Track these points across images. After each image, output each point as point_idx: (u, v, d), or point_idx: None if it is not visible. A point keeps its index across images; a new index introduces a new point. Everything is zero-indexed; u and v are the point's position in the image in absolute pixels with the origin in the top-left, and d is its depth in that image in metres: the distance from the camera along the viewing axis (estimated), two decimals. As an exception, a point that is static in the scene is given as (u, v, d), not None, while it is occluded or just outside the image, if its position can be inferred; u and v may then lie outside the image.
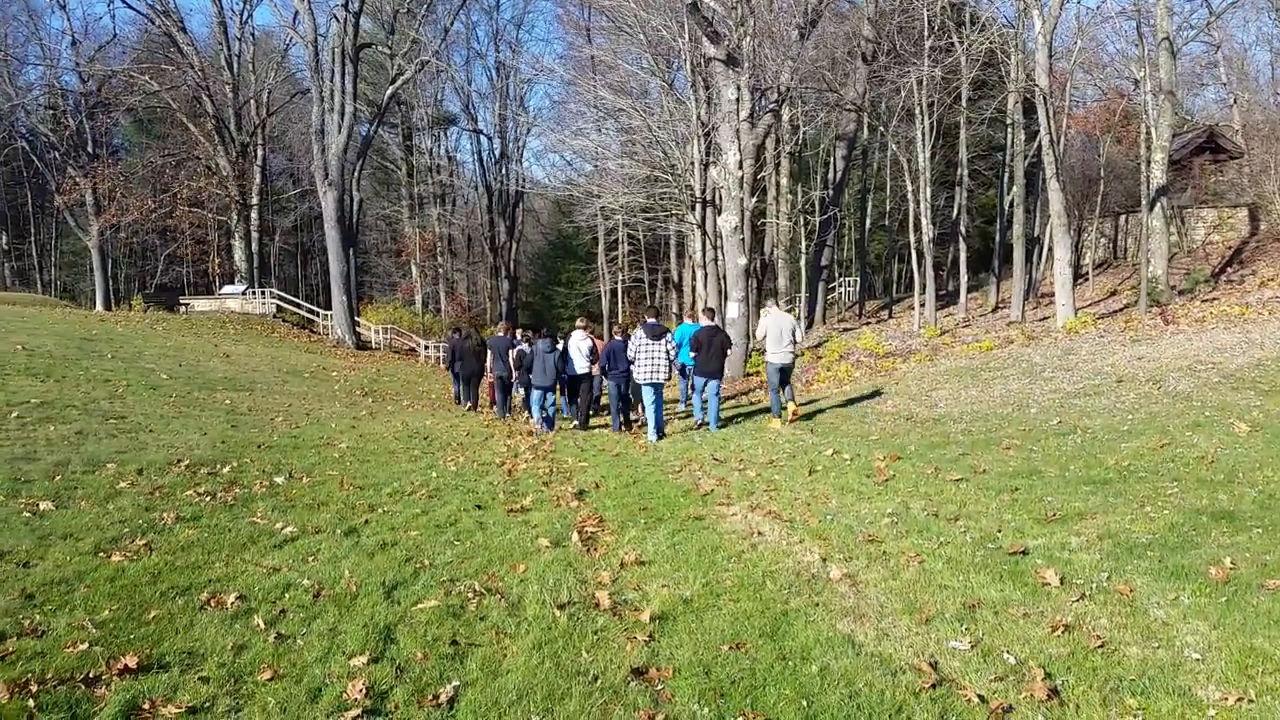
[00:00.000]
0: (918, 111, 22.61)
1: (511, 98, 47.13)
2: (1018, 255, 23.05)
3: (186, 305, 32.91)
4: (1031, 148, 24.25)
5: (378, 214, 50.31)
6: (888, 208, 38.49)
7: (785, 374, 11.84)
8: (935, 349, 18.70)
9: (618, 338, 12.48)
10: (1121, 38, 25.95)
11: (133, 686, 3.57)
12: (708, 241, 23.90)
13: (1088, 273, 25.95)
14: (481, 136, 48.01)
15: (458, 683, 3.70)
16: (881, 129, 27.71)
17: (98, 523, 5.84)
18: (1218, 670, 3.48)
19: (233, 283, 36.75)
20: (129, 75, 35.03)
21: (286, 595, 4.70)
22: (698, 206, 24.26)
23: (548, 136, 45.48)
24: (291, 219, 50.14)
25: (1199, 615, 3.97)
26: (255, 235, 37.98)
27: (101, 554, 5.21)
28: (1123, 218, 28.59)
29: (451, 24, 37.39)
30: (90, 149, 33.73)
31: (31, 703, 3.37)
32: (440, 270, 48.03)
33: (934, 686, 3.54)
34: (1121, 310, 19.16)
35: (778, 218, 30.85)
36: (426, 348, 31.84)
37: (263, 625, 4.24)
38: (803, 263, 33.97)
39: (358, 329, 31.92)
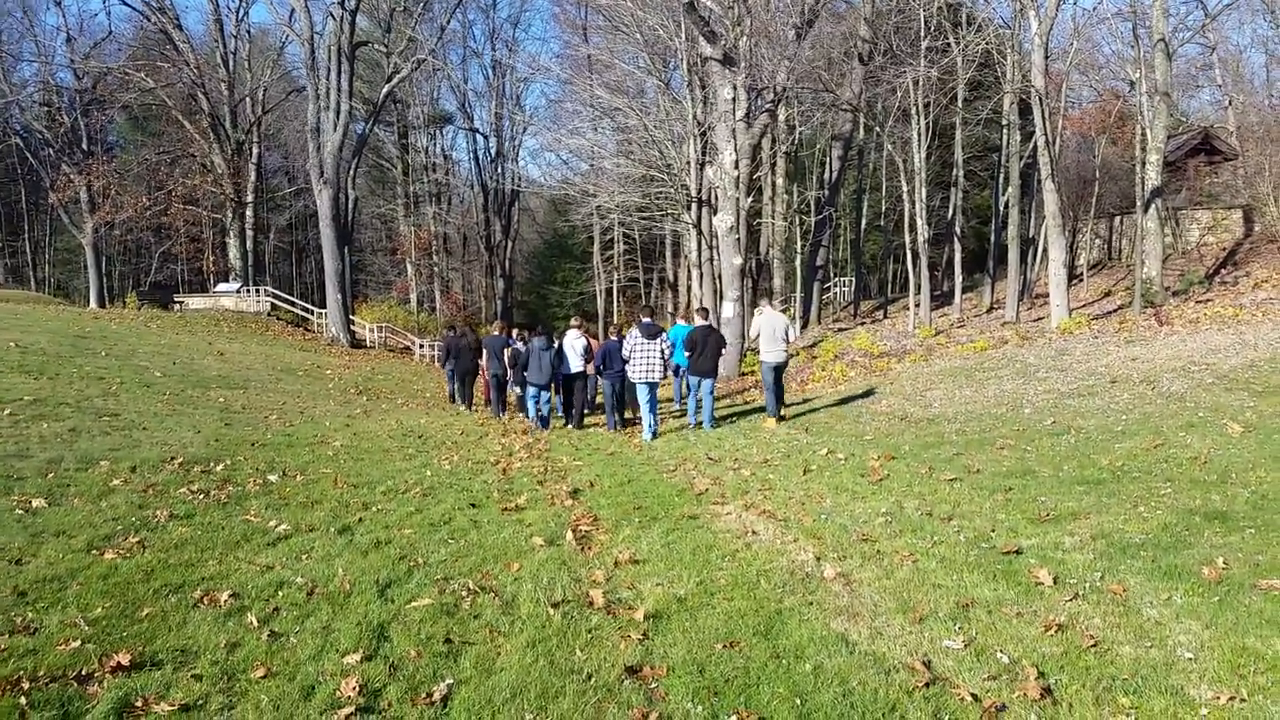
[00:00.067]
0: (914, 112, 22.63)
1: (508, 96, 47.11)
2: (1013, 256, 23.10)
3: (181, 303, 32.81)
4: (1027, 148, 24.30)
5: (373, 212, 50.24)
6: (883, 208, 38.56)
7: (779, 373, 11.88)
8: (930, 349, 18.73)
9: (613, 338, 12.50)
10: (1117, 39, 26.07)
11: (125, 684, 3.56)
12: (703, 241, 23.89)
13: (1082, 274, 26.00)
14: (477, 135, 48.01)
15: (451, 681, 3.69)
16: (877, 129, 27.75)
17: (90, 520, 5.82)
18: (1210, 669, 3.49)
19: (227, 281, 36.67)
20: (124, 72, 34.92)
21: (280, 593, 4.69)
22: (693, 206, 24.27)
23: (544, 135, 45.56)
24: (286, 217, 50.07)
25: (1192, 615, 3.98)
26: (250, 233, 37.89)
27: (94, 551, 5.20)
28: (1118, 219, 28.66)
29: (448, 22, 37.35)
30: (85, 146, 33.64)
31: (23, 700, 3.36)
32: (435, 269, 47.99)
33: (927, 685, 3.54)
34: (1116, 311, 19.21)
35: (773, 217, 30.88)
36: (421, 346, 31.81)
37: (256, 623, 4.23)
38: (798, 262, 34.01)
39: (352, 327, 31.86)
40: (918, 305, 23.71)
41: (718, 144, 18.99)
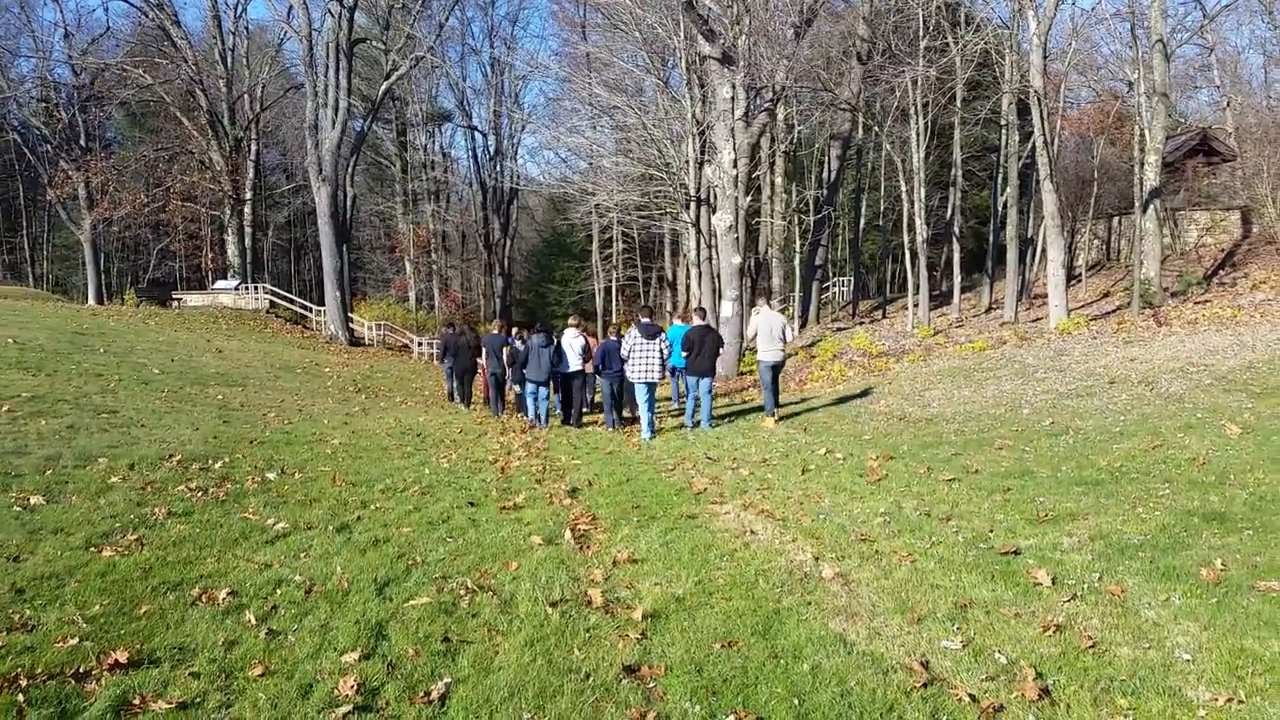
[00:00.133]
0: (912, 111, 22.65)
1: (506, 94, 47.05)
2: (1011, 256, 23.11)
3: (179, 300, 32.76)
4: (1026, 149, 24.31)
5: (372, 210, 50.16)
6: (882, 208, 38.59)
7: (776, 372, 11.91)
8: (929, 349, 18.74)
9: (612, 337, 12.52)
10: (1116, 39, 26.10)
11: (123, 682, 3.56)
12: (702, 240, 23.88)
13: (1081, 274, 26.03)
14: (476, 133, 47.93)
15: (449, 680, 3.70)
16: (876, 129, 27.77)
17: (89, 517, 5.82)
18: (1208, 671, 3.49)
19: (225, 278, 36.59)
20: (122, 68, 34.83)
21: (278, 591, 4.69)
22: (692, 205, 24.26)
23: (542, 133, 45.63)
24: (285, 214, 49.99)
25: (1190, 616, 3.98)
26: (248, 230, 37.82)
27: (92, 549, 5.19)
28: (1116, 219, 28.68)
29: (446, 19, 37.24)
30: (83, 142, 33.59)
31: (21, 697, 3.36)
32: (434, 267, 47.95)
33: (925, 686, 3.54)
34: (1114, 312, 19.23)
35: (772, 217, 30.89)
36: (420, 344, 31.80)
37: (254, 621, 4.23)
38: (797, 262, 34.01)
39: (351, 325, 31.83)
40: (916, 305, 23.73)
41: (716, 143, 18.98)
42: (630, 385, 12.02)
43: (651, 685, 3.66)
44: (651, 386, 11.48)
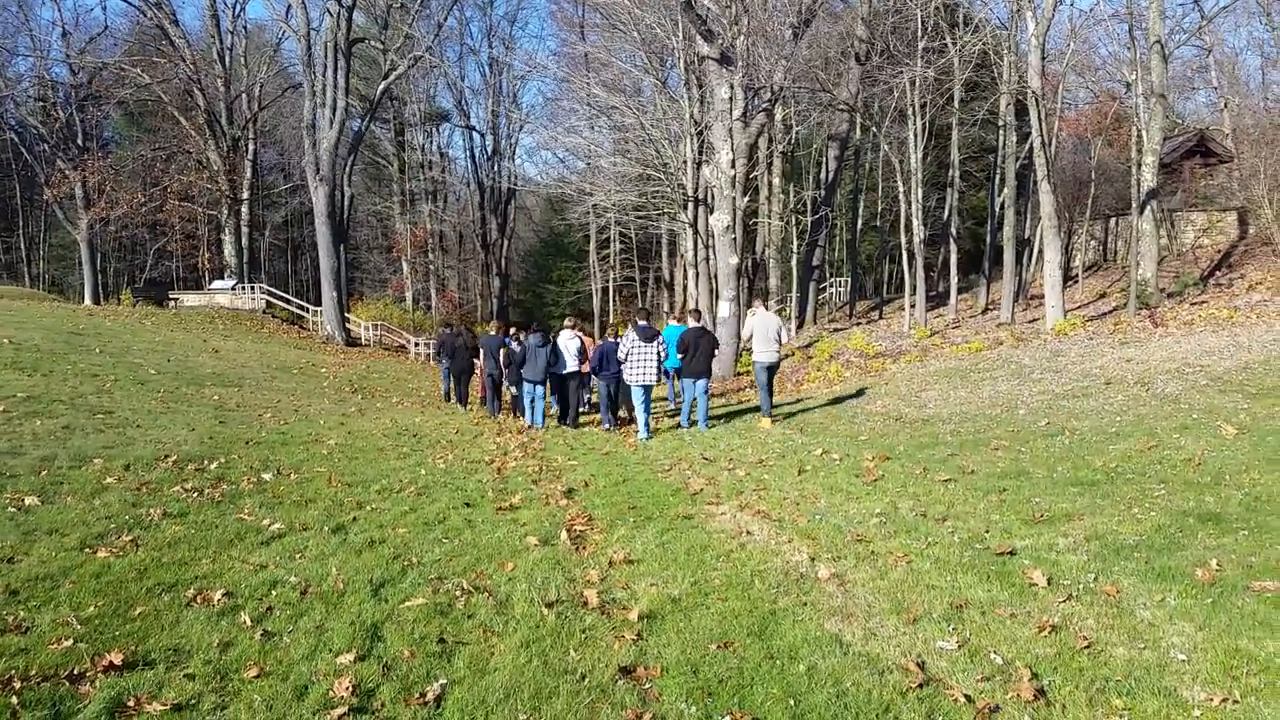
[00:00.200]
0: (910, 112, 22.65)
1: (504, 94, 47.01)
2: (1008, 257, 23.11)
3: (175, 300, 32.71)
4: (1023, 150, 24.32)
5: (369, 210, 50.11)
6: (879, 208, 38.60)
7: (771, 373, 11.94)
8: (925, 350, 18.75)
9: (610, 338, 12.57)
10: (1114, 40, 26.09)
11: (118, 683, 3.55)
12: (700, 240, 23.89)
13: (1077, 275, 26.05)
14: (474, 133, 47.90)
15: (445, 681, 3.69)
16: (874, 129, 27.79)
17: (84, 518, 5.80)
18: (1203, 671, 3.50)
19: (222, 278, 36.54)
20: (120, 68, 34.78)
21: (273, 592, 4.69)
22: (690, 205, 24.26)
23: (540, 133, 45.66)
24: (282, 214, 49.90)
25: (1185, 616, 3.99)
26: (245, 230, 37.77)
27: (87, 550, 5.18)
28: (1113, 220, 28.70)
29: (445, 19, 37.23)
30: (80, 141, 33.50)
31: (15, 699, 3.35)
32: (431, 267, 47.92)
33: (921, 686, 3.54)
34: (1111, 313, 19.24)
35: (770, 217, 30.91)
36: (417, 344, 31.77)
37: (249, 622, 4.23)
38: (794, 262, 34.03)
39: (348, 325, 31.81)
40: (913, 306, 23.73)
41: (714, 143, 18.99)
42: (626, 386, 12.05)
43: (647, 686, 3.66)
44: (648, 389, 11.53)
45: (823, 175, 31.47)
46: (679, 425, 12.06)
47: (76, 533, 5.48)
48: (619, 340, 12.07)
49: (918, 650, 3.90)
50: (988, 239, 29.26)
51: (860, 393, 13.87)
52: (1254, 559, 4.58)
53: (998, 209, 27.13)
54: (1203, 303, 17.09)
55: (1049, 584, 4.53)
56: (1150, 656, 3.66)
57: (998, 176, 27.83)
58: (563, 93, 36.42)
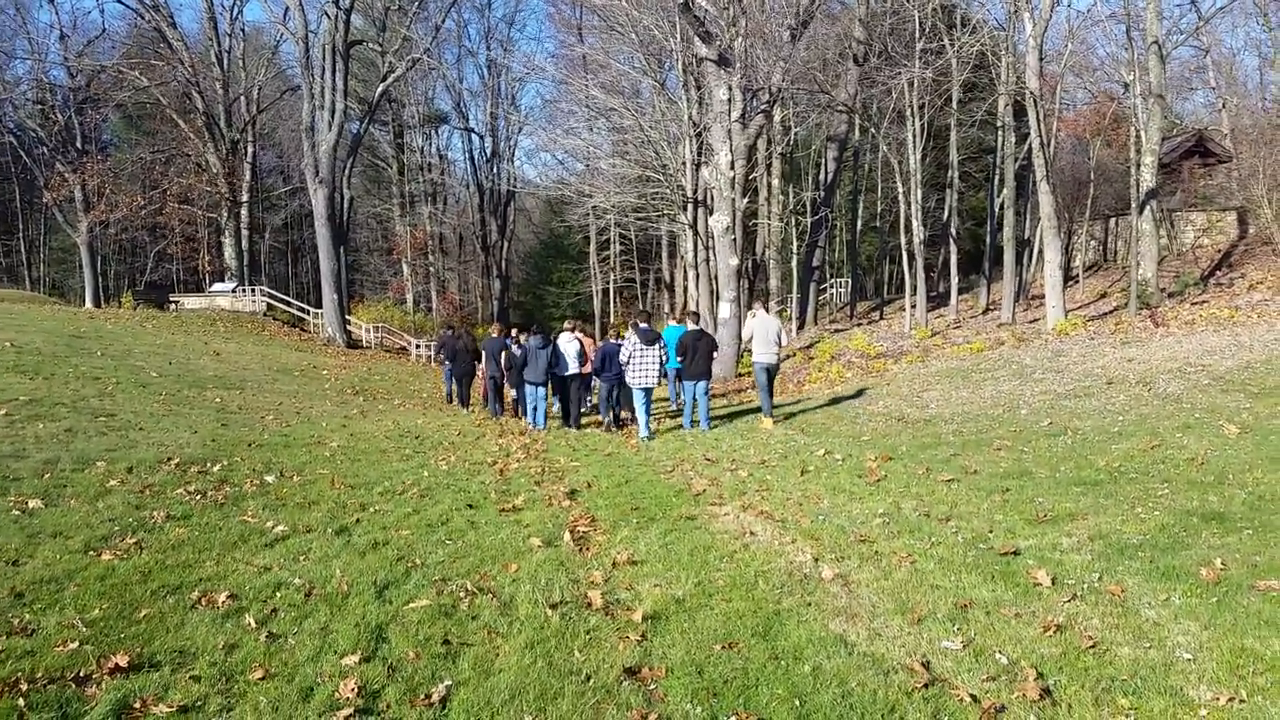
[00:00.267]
0: (909, 113, 22.67)
1: (503, 96, 47.01)
2: (1008, 257, 23.13)
3: (176, 303, 32.70)
4: (1022, 150, 24.33)
5: (369, 212, 50.11)
6: (879, 209, 38.61)
7: (771, 374, 11.99)
8: (926, 350, 18.76)
9: (612, 339, 12.59)
10: (1111, 41, 26.10)
11: (123, 685, 3.55)
12: (699, 242, 23.90)
13: (1078, 275, 26.07)
14: (473, 135, 47.91)
15: (450, 682, 3.69)
16: (873, 130, 27.80)
17: (88, 521, 5.80)
18: (1209, 670, 3.50)
19: (223, 280, 36.53)
20: (118, 70, 34.78)
21: (278, 594, 4.68)
22: (689, 207, 24.27)
23: (539, 135, 45.63)
24: (282, 216, 49.91)
25: (1190, 616, 3.99)
26: (245, 233, 37.76)
27: (91, 552, 5.18)
28: (1113, 220, 28.72)
29: (443, 21, 37.21)
30: (79, 145, 33.48)
31: (21, 702, 3.35)
32: (432, 269, 47.92)
33: (926, 686, 3.54)
34: (1111, 312, 19.26)
35: (769, 218, 30.90)
36: (418, 346, 31.77)
37: (254, 624, 4.23)
38: (794, 263, 34.06)
39: (348, 327, 31.80)
40: (914, 306, 23.74)
41: (713, 145, 19.00)
42: (628, 388, 12.08)
43: (652, 687, 3.66)
44: (648, 390, 11.58)
45: (822, 176, 31.48)
46: (681, 426, 12.07)
47: (80, 535, 5.48)
48: (621, 341, 12.09)
49: (923, 650, 3.90)
50: (988, 239, 29.28)
51: (862, 393, 13.87)
52: (1258, 558, 4.58)
53: (997, 209, 27.14)
54: (1203, 302, 17.10)
55: (1053, 584, 4.53)
56: (1156, 656, 3.66)
57: (997, 177, 27.85)
58: (561, 95, 36.51)
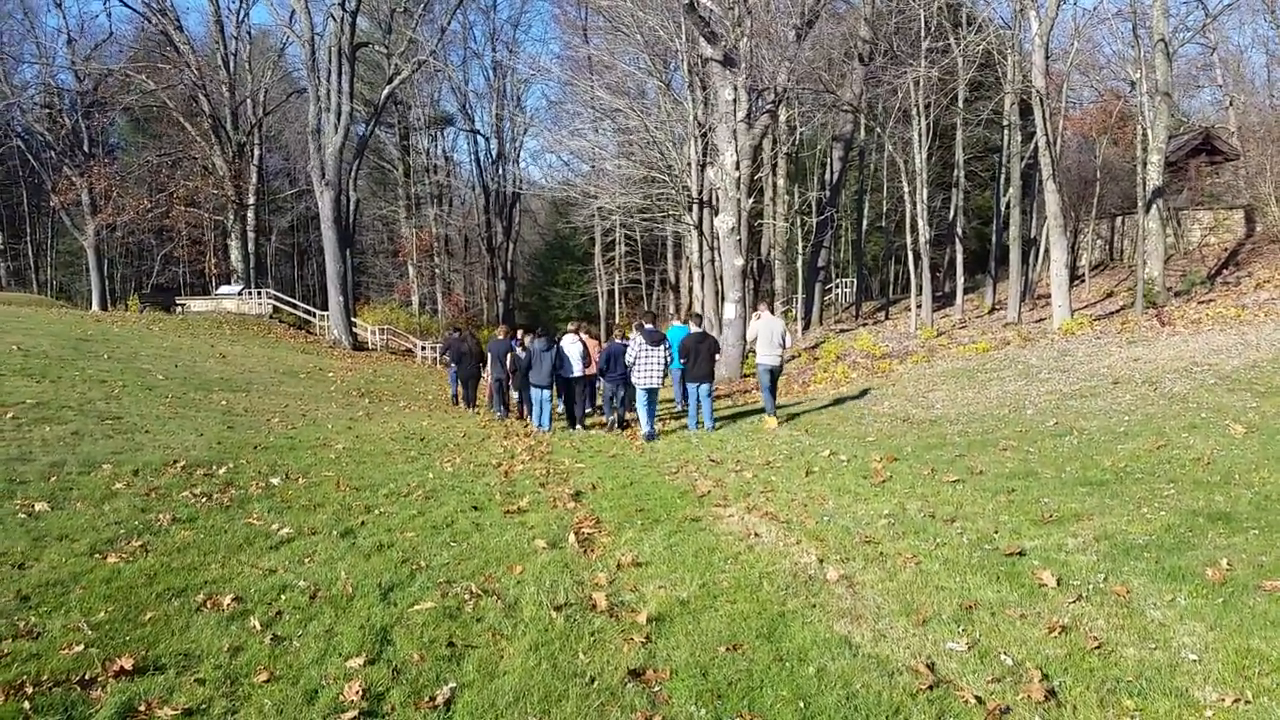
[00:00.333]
0: (914, 113, 22.64)
1: (508, 98, 47.11)
2: (1014, 257, 23.09)
3: (182, 305, 32.84)
4: (1028, 149, 24.29)
5: (374, 214, 50.25)
6: (884, 209, 38.55)
7: (775, 376, 12.00)
8: (932, 350, 18.72)
9: (617, 340, 12.61)
10: (1118, 39, 26.08)
11: (129, 688, 3.56)
12: (705, 242, 23.89)
13: (1084, 274, 26.00)
14: (478, 136, 48.04)
15: (454, 684, 3.69)
16: (878, 130, 27.76)
17: (93, 524, 5.82)
18: (1215, 671, 3.48)
19: (229, 283, 36.67)
20: (125, 74, 34.88)
21: (283, 597, 4.69)
22: (695, 207, 24.28)
23: (545, 137, 45.70)
24: (288, 219, 50.08)
25: (1196, 616, 3.97)
26: (252, 235, 37.91)
27: (97, 555, 5.20)
28: (1119, 219, 28.65)
29: (448, 24, 37.29)
30: (86, 148, 33.60)
31: (27, 705, 3.36)
32: (437, 271, 47.99)
33: (931, 688, 3.53)
34: (1118, 312, 19.20)
35: (774, 219, 30.87)
36: (423, 348, 31.82)
37: (259, 627, 4.24)
38: (799, 263, 34.02)
39: (354, 329, 31.87)
40: (919, 306, 23.71)
41: (719, 145, 18.99)
42: (633, 388, 12.11)
43: (657, 689, 3.65)
44: (653, 391, 11.60)
45: (827, 176, 31.46)
46: (685, 427, 12.08)
47: (86, 538, 5.50)
48: (626, 341, 12.12)
49: (927, 652, 3.89)
50: (993, 239, 29.21)
51: (867, 394, 13.85)
52: (1265, 558, 4.56)
53: (1003, 209, 27.09)
54: (1210, 301, 17.04)
55: (1059, 584, 4.52)
56: (1161, 657, 3.65)
57: (1003, 176, 27.79)
58: (566, 96, 36.55)
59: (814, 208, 33.37)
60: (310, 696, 3.58)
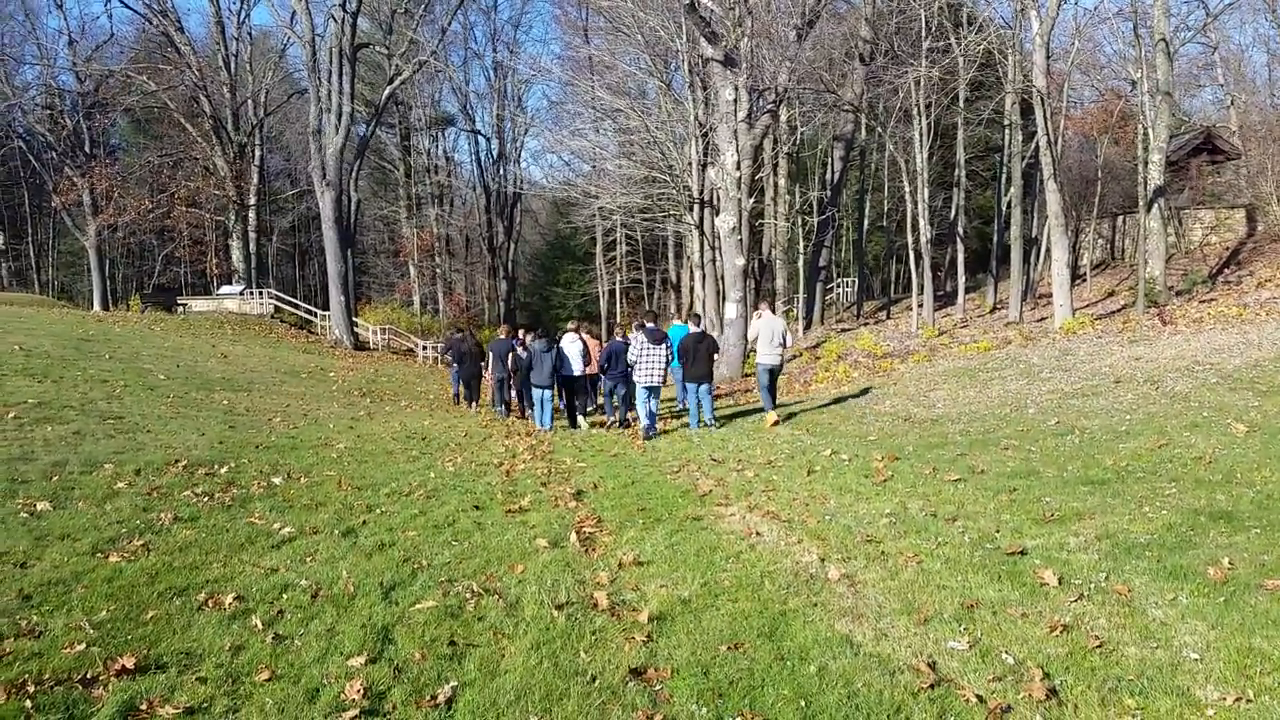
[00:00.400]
0: (915, 112, 22.63)
1: (509, 98, 47.16)
2: (1015, 256, 23.07)
3: (184, 306, 32.86)
4: (1029, 148, 24.28)
5: (375, 214, 50.29)
6: (885, 208, 38.52)
7: (774, 375, 12.05)
8: (933, 349, 18.72)
9: (618, 338, 12.66)
10: (1119, 39, 26.05)
11: (130, 687, 3.56)
12: (705, 242, 23.91)
13: (1085, 273, 25.99)
14: (479, 137, 48.09)
15: (456, 683, 3.69)
16: (879, 130, 27.75)
17: (95, 523, 5.83)
18: (1216, 670, 3.48)
19: (230, 283, 36.70)
20: (126, 75, 34.93)
21: (284, 596, 4.70)
22: (696, 207, 24.28)
23: (545, 137, 45.68)
24: (289, 219, 50.10)
25: (1197, 615, 3.97)
26: (253, 235, 37.93)
27: (99, 554, 5.20)
28: (1120, 219, 28.63)
29: (449, 24, 37.30)
30: (87, 149, 33.63)
31: (29, 703, 3.37)
32: (438, 271, 48.01)
33: (932, 687, 3.53)
34: (1119, 311, 19.19)
35: (775, 218, 30.88)
36: (425, 348, 31.83)
37: (260, 626, 4.24)
38: (801, 263, 34.01)
39: (355, 329, 31.89)
40: (920, 305, 23.70)
41: (719, 145, 18.99)
42: (633, 386, 12.16)
43: (658, 688, 3.65)
44: (654, 390, 11.66)
45: (828, 176, 31.46)
46: (687, 426, 12.10)
47: (88, 537, 5.50)
48: (628, 340, 12.17)
49: (929, 650, 3.88)
50: (995, 238, 29.20)
51: (868, 393, 13.84)
52: (1266, 557, 4.56)
53: (1004, 208, 27.08)
54: (1211, 300, 17.03)
55: (1060, 583, 4.51)
56: (1163, 656, 3.64)
57: (1004, 176, 27.78)
58: (567, 96, 36.58)
59: (815, 207, 33.37)
60: (311, 695, 3.58)
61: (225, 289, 35.09)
